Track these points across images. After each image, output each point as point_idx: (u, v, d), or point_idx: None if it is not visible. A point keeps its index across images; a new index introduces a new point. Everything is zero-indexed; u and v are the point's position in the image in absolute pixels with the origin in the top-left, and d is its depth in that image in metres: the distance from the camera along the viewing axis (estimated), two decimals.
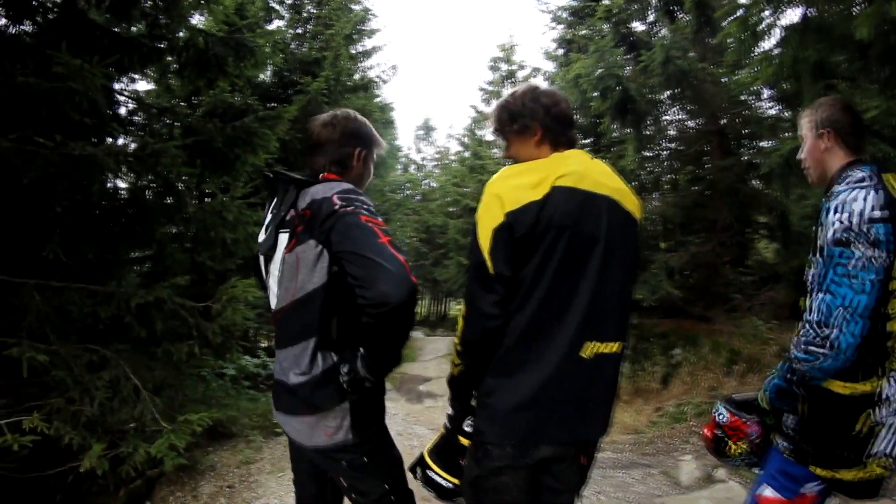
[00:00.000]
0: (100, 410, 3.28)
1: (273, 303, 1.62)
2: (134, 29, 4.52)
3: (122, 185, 4.41)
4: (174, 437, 3.16)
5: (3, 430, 2.76)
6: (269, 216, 1.64)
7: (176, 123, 4.76)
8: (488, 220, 1.36)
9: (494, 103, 1.67)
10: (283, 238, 1.55)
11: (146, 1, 4.43)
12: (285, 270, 1.54)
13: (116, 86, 5.11)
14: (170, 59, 4.75)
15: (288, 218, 1.55)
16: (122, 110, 4.97)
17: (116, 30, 4.28)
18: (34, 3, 3.96)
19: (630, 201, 1.51)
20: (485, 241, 1.35)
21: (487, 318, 1.37)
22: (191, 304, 3.84)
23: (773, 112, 7.79)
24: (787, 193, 6.10)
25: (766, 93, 7.67)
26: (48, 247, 3.07)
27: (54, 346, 3.19)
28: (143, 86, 8.15)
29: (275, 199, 1.64)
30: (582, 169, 1.43)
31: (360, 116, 1.75)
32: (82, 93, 3.11)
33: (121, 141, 4.47)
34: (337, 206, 1.43)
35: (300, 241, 1.48)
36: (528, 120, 1.51)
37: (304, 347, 1.52)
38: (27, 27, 3.99)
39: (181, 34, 4.55)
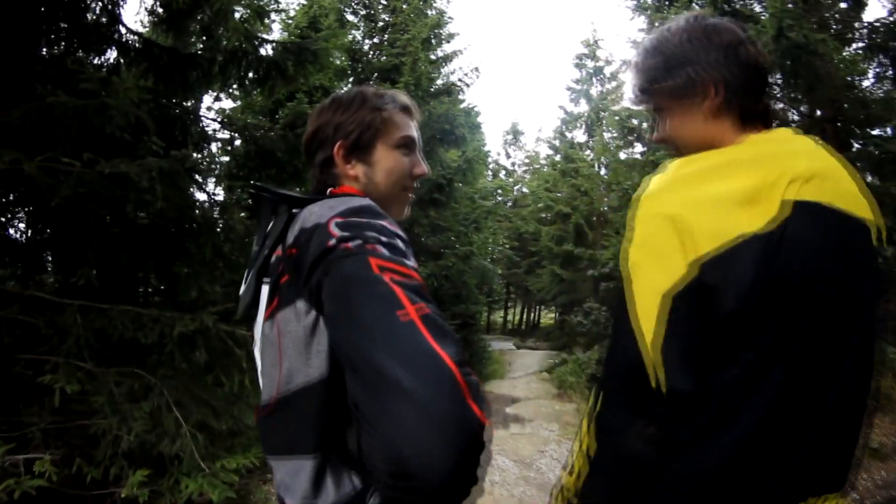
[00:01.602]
0: (138, 442, 3.08)
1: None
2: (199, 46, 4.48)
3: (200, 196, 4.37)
4: (207, 484, 2.84)
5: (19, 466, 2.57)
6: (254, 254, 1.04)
7: (239, 134, 4.63)
8: (654, 274, 0.79)
9: (636, 50, 1.01)
10: (265, 292, 0.96)
11: (201, 15, 4.29)
12: (265, 347, 0.93)
13: (202, 105, 5.26)
14: (234, 72, 4.62)
15: (273, 259, 0.95)
16: (210, 129, 5.02)
17: (175, 47, 4.21)
18: (107, 33, 3.94)
19: (880, 222, 0.90)
20: (647, 319, 0.78)
21: (634, 465, 0.80)
22: (241, 333, 3.58)
23: (880, 94, 6.56)
24: None
25: (871, 72, 6.53)
26: (80, 271, 2.89)
27: (92, 370, 3.03)
28: (228, 104, 8.47)
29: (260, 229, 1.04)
30: (829, 165, 0.85)
31: (354, 90, 1.10)
32: (116, 107, 2.95)
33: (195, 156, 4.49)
34: (332, 242, 0.79)
35: (283, 303, 0.88)
36: (695, 70, 0.90)
37: (299, 466, 0.88)
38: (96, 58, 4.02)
39: (237, 44, 4.38)
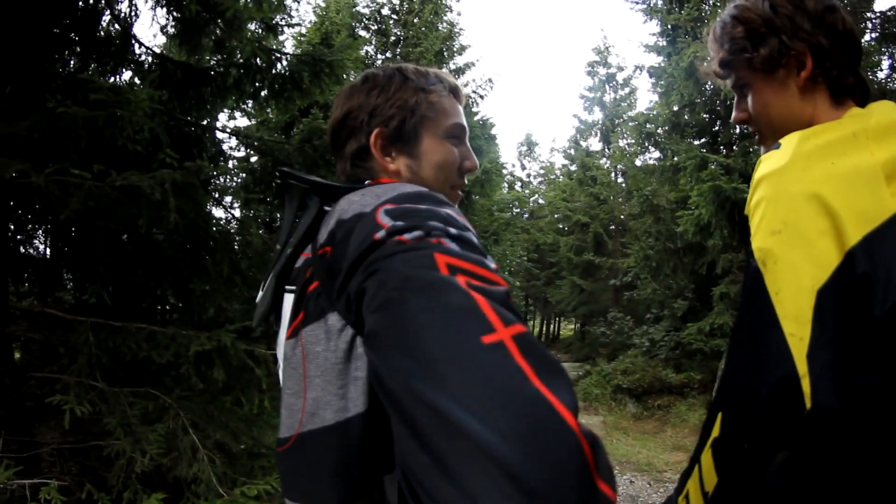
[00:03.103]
0: (153, 465, 2.95)
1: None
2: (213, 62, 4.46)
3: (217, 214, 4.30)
4: None
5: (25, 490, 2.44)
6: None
7: (254, 150, 4.57)
8: (802, 267, 0.65)
9: (714, 23, 0.91)
10: (289, 303, 0.76)
11: (214, 28, 4.26)
12: (287, 372, 0.73)
13: (218, 122, 5.23)
14: (248, 86, 4.58)
15: (300, 263, 0.76)
16: (227, 146, 5.01)
17: (188, 62, 4.18)
18: (120, 48, 3.92)
19: None
20: (796, 322, 0.64)
21: (772, 501, 0.65)
22: (260, 351, 3.45)
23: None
24: None
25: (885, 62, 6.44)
26: (91, 288, 2.79)
27: (105, 390, 2.92)
28: (243, 122, 8.51)
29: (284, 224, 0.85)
30: None
31: (392, 67, 0.89)
32: (128, 119, 2.88)
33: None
34: (381, 234, 0.59)
35: (311, 317, 0.69)
36: (784, 39, 0.80)
37: None
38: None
39: (251, 58, 4.34)
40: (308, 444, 0.67)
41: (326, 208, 0.73)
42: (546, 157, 28.85)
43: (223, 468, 3.08)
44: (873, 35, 6.50)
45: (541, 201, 25.54)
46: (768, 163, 0.73)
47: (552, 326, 26.69)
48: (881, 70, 6.70)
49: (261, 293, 0.80)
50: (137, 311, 3.17)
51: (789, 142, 0.74)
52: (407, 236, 0.57)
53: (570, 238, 17.88)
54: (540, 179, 27.83)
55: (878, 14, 6.46)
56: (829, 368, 0.63)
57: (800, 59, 0.80)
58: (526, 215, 25.44)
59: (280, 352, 0.78)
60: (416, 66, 0.89)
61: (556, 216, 20.73)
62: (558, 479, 0.39)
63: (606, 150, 19.29)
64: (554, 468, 0.39)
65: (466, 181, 0.92)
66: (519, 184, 27.92)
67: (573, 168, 20.69)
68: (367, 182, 0.80)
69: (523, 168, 28.60)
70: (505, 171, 25.25)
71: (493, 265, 0.57)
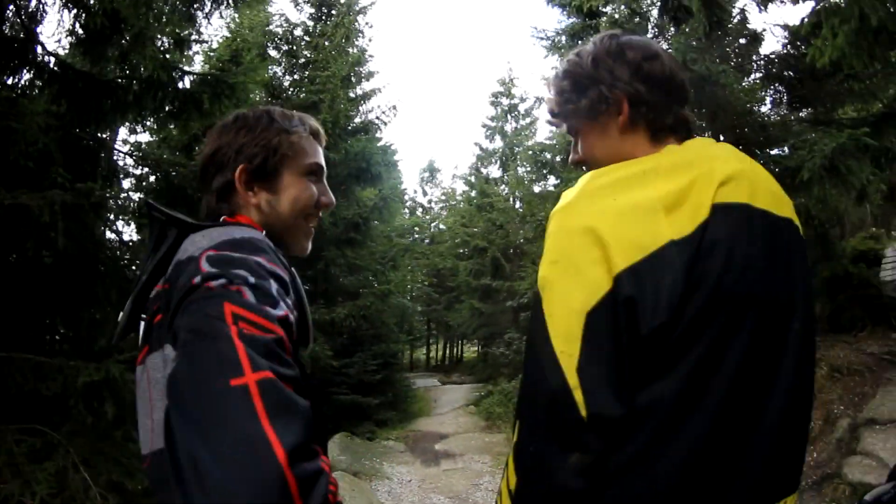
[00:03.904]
0: None
1: None
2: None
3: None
4: None
5: None
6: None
7: (152, 170, 4.35)
8: (572, 292, 0.73)
9: (551, 74, 1.01)
10: (142, 331, 0.85)
11: (119, 38, 4.06)
12: (139, 393, 0.82)
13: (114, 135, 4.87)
14: (149, 102, 4.37)
15: (153, 293, 0.83)
16: (124, 162, 4.66)
17: (91, 72, 3.93)
18: (22, 50, 3.59)
19: (797, 222, 0.89)
20: (565, 340, 0.72)
21: (563, 499, 0.71)
22: None
23: (779, 118, 7.57)
24: (826, 199, 5.74)
25: (768, 98, 7.55)
26: None
27: None
28: (145, 137, 7.96)
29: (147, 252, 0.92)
30: (746, 167, 0.82)
31: (260, 109, 0.98)
32: (20, 133, 2.68)
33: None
34: (197, 280, 0.69)
35: (154, 346, 0.78)
36: (604, 88, 0.89)
37: None
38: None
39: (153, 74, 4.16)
40: (157, 462, 0.75)
41: (187, 238, 0.81)
42: (448, 184, 29.48)
43: None
44: (758, 75, 7.54)
45: (441, 227, 26.00)
46: (562, 199, 0.81)
47: (455, 350, 27.03)
48: (764, 105, 7.74)
49: (122, 314, 0.87)
50: (24, 340, 2.87)
51: (582, 180, 0.82)
52: (213, 283, 0.68)
53: (469, 262, 18.33)
54: (441, 205, 28.38)
55: (762, 56, 7.55)
56: (603, 380, 0.70)
57: (618, 106, 0.88)
58: (426, 240, 25.80)
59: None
60: (283, 109, 0.99)
61: (455, 241, 21.19)
62: (254, 497, 0.52)
63: (505, 176, 20.23)
64: (252, 488, 0.53)
65: (322, 215, 1.03)
66: (420, 209, 28.31)
67: (473, 194, 21.38)
68: (222, 218, 0.91)
69: (425, 194, 29.04)
70: (407, 197, 25.61)
71: (278, 313, 0.68)
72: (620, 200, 0.75)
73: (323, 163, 0.99)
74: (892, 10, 3.88)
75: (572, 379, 0.70)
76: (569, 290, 0.73)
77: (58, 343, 3.67)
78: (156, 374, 0.75)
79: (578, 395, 0.69)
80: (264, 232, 0.90)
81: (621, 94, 0.88)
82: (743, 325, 0.73)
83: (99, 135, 4.04)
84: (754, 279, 0.75)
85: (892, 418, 4.93)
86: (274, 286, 0.72)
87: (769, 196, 0.83)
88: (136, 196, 4.86)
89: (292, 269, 0.89)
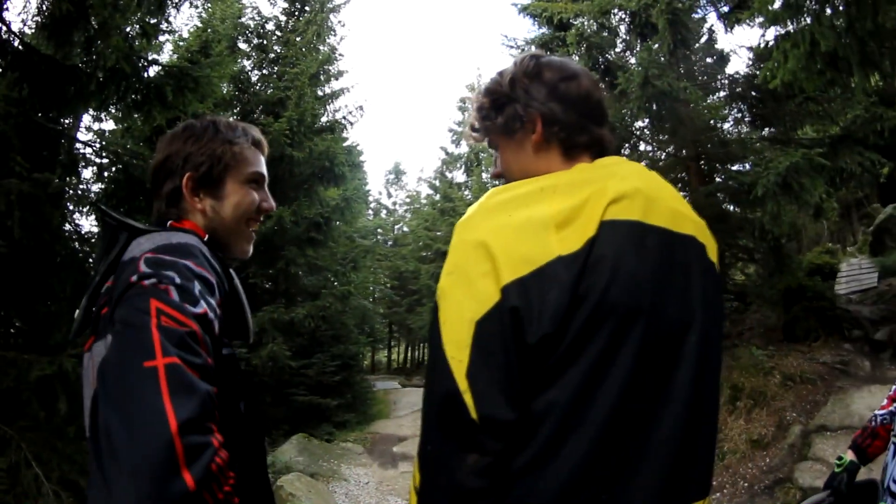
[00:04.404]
0: None
1: None
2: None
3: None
4: None
5: None
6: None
7: (112, 161, 4.25)
8: (463, 301, 0.76)
9: (473, 92, 1.06)
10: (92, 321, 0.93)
11: (86, 23, 3.95)
12: (85, 378, 0.89)
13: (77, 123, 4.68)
14: (113, 91, 4.26)
15: (104, 289, 0.92)
16: (84, 152, 4.50)
17: (55, 57, 3.81)
18: None
19: (711, 243, 0.92)
20: (456, 347, 0.75)
21: (464, 497, 0.73)
22: None
23: (740, 135, 7.85)
24: (780, 214, 5.93)
25: (731, 116, 7.87)
26: None
27: None
28: (110, 124, 7.68)
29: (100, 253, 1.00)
30: (645, 185, 0.84)
31: (207, 120, 1.07)
32: None
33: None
34: (135, 278, 0.81)
35: (99, 335, 0.86)
36: (519, 107, 0.92)
37: None
38: None
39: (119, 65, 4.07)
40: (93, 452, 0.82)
41: (134, 241, 0.91)
42: (413, 187, 29.46)
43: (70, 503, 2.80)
44: (723, 93, 7.88)
45: (405, 229, 25.99)
46: (465, 215, 0.83)
47: (417, 353, 27.00)
48: (727, 122, 8.07)
49: (77, 311, 0.97)
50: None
51: (482, 197, 0.85)
52: (146, 282, 0.80)
53: (432, 266, 18.45)
54: (406, 208, 28.35)
55: (728, 76, 7.88)
56: (493, 385, 0.73)
57: (532, 124, 0.91)
58: (389, 243, 25.74)
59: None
60: (229, 120, 1.08)
61: (419, 244, 21.25)
62: (144, 461, 0.63)
63: (469, 181, 20.42)
64: (146, 457, 0.63)
65: (264, 218, 1.15)
66: (385, 211, 28.21)
67: (437, 198, 21.52)
68: (169, 223, 1.00)
69: (390, 196, 28.96)
70: (371, 199, 25.47)
71: (196, 310, 0.79)
72: (515, 217, 0.78)
73: (265, 171, 1.08)
74: (843, 39, 4.14)
75: (462, 383, 0.73)
76: (461, 300, 0.76)
77: (12, 336, 3.55)
78: (98, 360, 0.83)
79: (468, 399, 0.72)
80: (207, 236, 1.00)
81: (535, 114, 0.91)
82: (630, 337, 0.75)
83: (61, 121, 3.90)
84: (641, 293, 0.77)
85: (842, 425, 5.10)
86: (197, 287, 0.82)
87: (668, 214, 0.85)
88: (95, 188, 4.75)
89: (231, 271, 0.98)
